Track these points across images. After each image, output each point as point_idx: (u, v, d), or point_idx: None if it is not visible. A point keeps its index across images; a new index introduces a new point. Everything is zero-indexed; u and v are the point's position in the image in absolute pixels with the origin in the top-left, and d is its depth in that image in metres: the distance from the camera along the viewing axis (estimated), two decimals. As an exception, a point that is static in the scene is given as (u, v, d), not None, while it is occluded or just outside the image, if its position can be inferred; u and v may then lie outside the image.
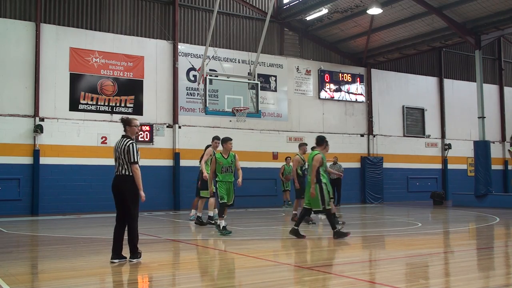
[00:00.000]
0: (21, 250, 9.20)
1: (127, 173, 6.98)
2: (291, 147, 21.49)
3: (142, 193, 6.98)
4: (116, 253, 7.00)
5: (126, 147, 7.00)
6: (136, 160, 6.98)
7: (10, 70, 16.64)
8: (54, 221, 14.39)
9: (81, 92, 17.57)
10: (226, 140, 10.75)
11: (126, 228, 7.09)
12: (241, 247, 8.92)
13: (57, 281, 6.03)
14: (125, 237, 7.10)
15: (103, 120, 17.81)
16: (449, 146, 25.51)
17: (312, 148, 11.31)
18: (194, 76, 19.38)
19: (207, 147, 12.50)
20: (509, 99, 27.84)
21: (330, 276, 6.24)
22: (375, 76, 24.17)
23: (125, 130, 7.21)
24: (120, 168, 7.00)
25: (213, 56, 18.06)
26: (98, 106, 17.80)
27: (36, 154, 16.62)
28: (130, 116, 7.55)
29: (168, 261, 7.84)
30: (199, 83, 16.65)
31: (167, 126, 19.05)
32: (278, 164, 20.42)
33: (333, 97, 22.91)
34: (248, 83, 16.38)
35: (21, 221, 14.36)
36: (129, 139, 7.11)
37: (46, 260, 7.76)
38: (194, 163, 19.43)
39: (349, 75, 23.38)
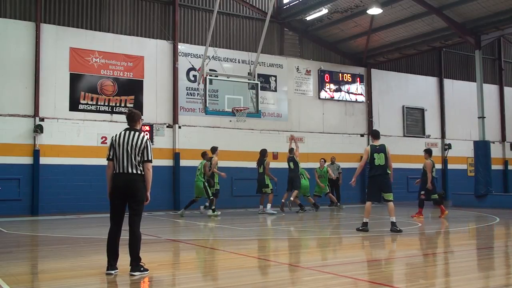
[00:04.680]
0: (21, 250, 9.20)
1: (138, 171, 6.23)
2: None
3: (149, 195, 6.38)
4: (114, 263, 6.23)
5: (143, 143, 6.25)
6: (152, 158, 6.33)
7: (10, 70, 16.63)
8: (54, 221, 14.38)
9: (81, 92, 17.56)
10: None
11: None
12: (241, 247, 8.92)
13: (57, 281, 6.03)
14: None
15: (103, 120, 17.80)
16: (449, 146, 25.50)
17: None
18: (194, 76, 19.37)
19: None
20: (509, 99, 27.82)
21: (330, 276, 6.24)
22: (375, 76, 24.16)
23: (134, 124, 6.42)
24: (128, 165, 6.20)
25: (213, 56, 18.05)
26: (98, 106, 17.79)
27: (36, 154, 16.60)
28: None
29: (168, 261, 7.84)
30: (199, 83, 16.67)
31: (167, 126, 19.04)
32: (278, 164, 20.39)
33: (333, 97, 22.90)
34: (248, 83, 16.39)
35: (21, 221, 14.36)
36: (142, 133, 6.39)
37: (46, 260, 7.75)
38: (195, 163, 19.47)
39: (349, 75, 23.37)
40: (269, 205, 15.85)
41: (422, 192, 14.43)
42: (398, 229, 10.44)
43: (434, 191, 14.45)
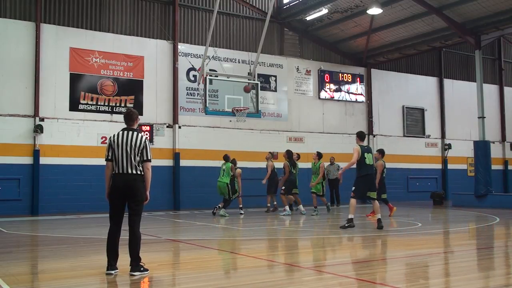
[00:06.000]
0: (21, 250, 9.19)
1: (138, 172, 6.21)
2: (291, 147, 21.47)
3: (148, 194, 6.36)
4: (114, 263, 6.22)
5: (142, 143, 6.23)
6: (151, 158, 6.32)
7: (10, 70, 16.64)
8: (54, 221, 14.38)
9: (81, 92, 17.57)
10: None
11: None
12: (241, 247, 8.92)
13: (57, 281, 6.03)
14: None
15: (103, 120, 17.81)
16: (449, 146, 25.51)
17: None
18: (194, 76, 19.38)
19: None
20: (509, 99, 27.83)
21: (330, 276, 6.24)
22: (375, 76, 24.17)
23: (132, 124, 6.40)
24: (128, 165, 6.17)
25: (213, 56, 18.05)
26: (98, 106, 17.79)
27: (36, 154, 16.61)
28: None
29: (168, 261, 7.84)
30: (199, 83, 16.67)
31: (167, 126, 19.05)
32: (278, 164, 20.40)
33: (333, 97, 22.91)
34: (248, 83, 16.38)
35: (21, 221, 14.36)
36: (141, 133, 6.37)
37: (46, 260, 7.75)
38: (195, 163, 19.52)
39: (349, 75, 23.38)
40: (301, 206, 15.90)
41: None
42: (382, 225, 10.88)
43: (383, 191, 14.65)
